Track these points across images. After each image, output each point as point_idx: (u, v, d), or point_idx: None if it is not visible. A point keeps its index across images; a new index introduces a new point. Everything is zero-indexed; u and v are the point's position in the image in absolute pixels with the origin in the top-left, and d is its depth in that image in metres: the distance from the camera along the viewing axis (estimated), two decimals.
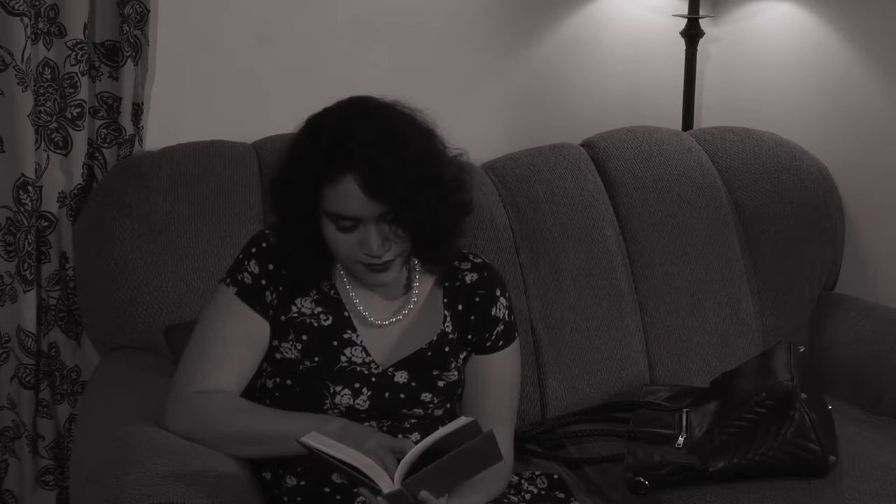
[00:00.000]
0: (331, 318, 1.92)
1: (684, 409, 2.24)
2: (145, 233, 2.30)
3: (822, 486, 2.06)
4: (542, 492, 2.02)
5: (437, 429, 1.92)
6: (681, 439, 2.15)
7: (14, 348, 2.45)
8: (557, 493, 2.02)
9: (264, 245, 1.93)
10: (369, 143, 1.77)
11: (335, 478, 1.85)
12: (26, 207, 2.38)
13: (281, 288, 1.92)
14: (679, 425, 2.20)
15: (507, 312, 2.03)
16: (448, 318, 1.98)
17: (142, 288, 2.29)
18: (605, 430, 2.33)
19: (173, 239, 2.30)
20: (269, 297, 1.91)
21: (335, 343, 1.91)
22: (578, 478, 2.22)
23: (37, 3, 2.34)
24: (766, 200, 2.66)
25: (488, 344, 2.00)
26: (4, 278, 2.42)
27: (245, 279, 1.91)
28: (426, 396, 1.93)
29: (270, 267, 1.92)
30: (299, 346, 1.90)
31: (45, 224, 2.43)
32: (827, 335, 2.62)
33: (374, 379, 1.91)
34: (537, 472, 2.08)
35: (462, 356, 1.99)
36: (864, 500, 2.03)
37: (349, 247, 1.83)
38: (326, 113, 1.86)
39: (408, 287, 1.98)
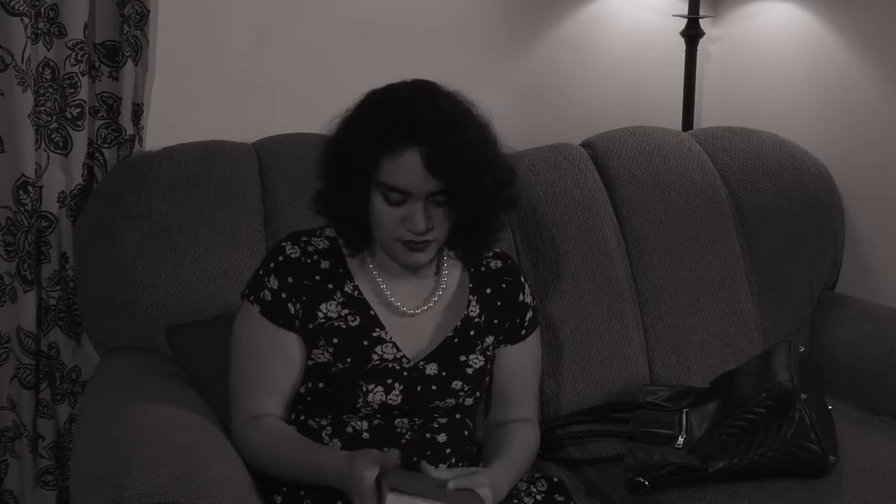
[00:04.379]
0: (358, 318, 1.94)
1: (684, 410, 2.24)
2: (145, 233, 2.30)
3: (822, 486, 2.06)
4: (542, 495, 2.02)
5: (464, 430, 1.98)
6: (681, 439, 2.15)
7: (14, 348, 2.45)
8: (557, 496, 2.02)
9: (281, 259, 1.94)
10: (437, 123, 1.83)
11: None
12: (26, 207, 2.38)
13: (304, 298, 1.93)
14: (679, 425, 2.19)
15: (531, 297, 2.09)
16: (474, 302, 2.01)
17: (142, 288, 2.28)
18: (605, 430, 2.33)
19: (173, 239, 2.30)
20: (293, 310, 1.93)
21: (365, 343, 1.92)
22: (578, 479, 2.22)
23: (37, 3, 2.34)
24: (766, 200, 2.66)
25: (522, 332, 2.06)
26: (4, 278, 2.42)
27: (266, 296, 1.93)
28: (456, 384, 1.96)
29: (290, 280, 1.92)
30: (331, 350, 1.92)
31: (45, 224, 2.43)
32: (827, 335, 2.62)
33: (405, 373, 1.93)
34: (537, 475, 2.08)
35: (489, 341, 2.02)
36: (864, 500, 2.03)
37: (393, 221, 1.86)
38: (393, 88, 1.90)
39: (437, 274, 2.01)
